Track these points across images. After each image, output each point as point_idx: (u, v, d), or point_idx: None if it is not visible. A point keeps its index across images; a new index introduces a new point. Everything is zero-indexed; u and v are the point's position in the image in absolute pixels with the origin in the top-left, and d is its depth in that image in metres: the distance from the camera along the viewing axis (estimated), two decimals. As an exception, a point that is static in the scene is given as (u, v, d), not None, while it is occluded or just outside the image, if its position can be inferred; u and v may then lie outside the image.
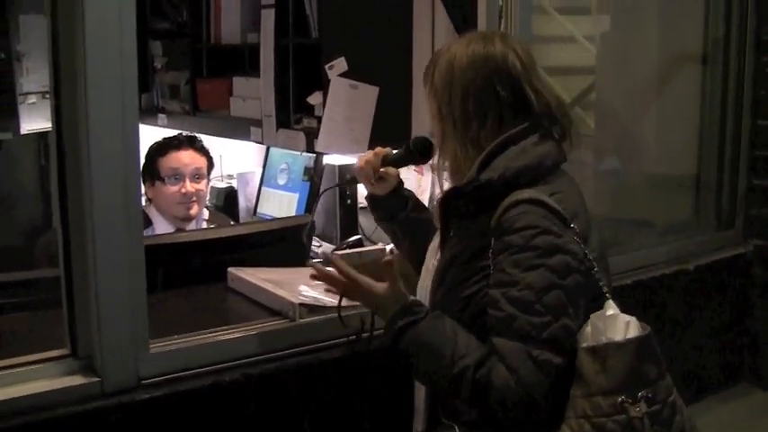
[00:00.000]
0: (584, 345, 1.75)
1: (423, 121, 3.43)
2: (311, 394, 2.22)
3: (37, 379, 1.92)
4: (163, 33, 4.33)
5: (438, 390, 1.95)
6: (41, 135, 4.39)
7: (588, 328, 1.77)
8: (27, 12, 4.16)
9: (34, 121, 4.26)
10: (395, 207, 2.28)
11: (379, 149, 2.27)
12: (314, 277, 2.01)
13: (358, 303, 2.04)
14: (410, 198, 2.31)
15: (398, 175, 2.30)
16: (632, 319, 1.79)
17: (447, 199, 1.94)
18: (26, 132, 4.27)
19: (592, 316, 1.79)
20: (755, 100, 3.74)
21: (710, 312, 3.57)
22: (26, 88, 4.22)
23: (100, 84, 1.86)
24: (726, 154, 3.78)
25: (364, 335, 1.98)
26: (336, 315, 2.11)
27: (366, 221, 3.38)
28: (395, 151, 2.26)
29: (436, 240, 2.07)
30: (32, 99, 4.24)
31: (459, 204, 1.92)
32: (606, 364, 1.72)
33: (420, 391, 2.07)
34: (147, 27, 4.31)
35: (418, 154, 2.24)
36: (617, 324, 1.77)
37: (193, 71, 4.09)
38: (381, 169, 2.25)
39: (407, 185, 2.36)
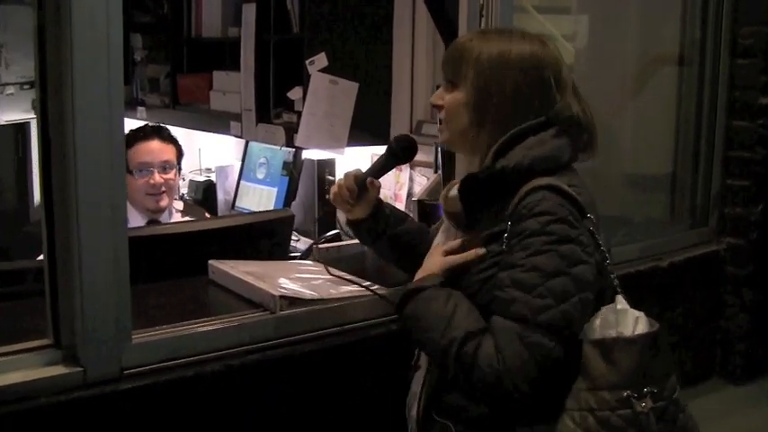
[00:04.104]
0: (592, 338, 1.74)
1: (402, 117, 3.47)
2: (292, 385, 2.24)
3: (19, 369, 1.91)
4: (143, 26, 4.34)
5: (434, 361, 1.90)
6: (18, 126, 4.39)
7: (597, 321, 1.77)
8: (6, 2, 4.15)
9: (12, 112, 4.26)
10: (378, 228, 2.27)
11: (348, 171, 2.25)
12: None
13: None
14: (391, 214, 2.29)
15: (377, 196, 2.26)
16: (641, 315, 1.78)
17: (466, 189, 1.92)
18: (4, 123, 4.27)
19: (603, 308, 1.78)
20: (730, 101, 3.79)
21: (683, 309, 3.62)
22: (5, 79, 4.22)
23: (87, 76, 1.86)
24: (701, 153, 3.82)
25: None
26: (316, 307, 2.26)
27: (344, 216, 3.39)
28: (372, 162, 2.28)
29: (443, 229, 2.06)
30: (11, 90, 4.23)
31: (477, 195, 1.91)
32: (613, 358, 1.72)
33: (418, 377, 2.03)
34: (128, 19, 4.30)
35: (402, 154, 2.24)
36: (627, 318, 1.76)
37: (174, 64, 4.10)
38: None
39: (384, 182, 2.34)
